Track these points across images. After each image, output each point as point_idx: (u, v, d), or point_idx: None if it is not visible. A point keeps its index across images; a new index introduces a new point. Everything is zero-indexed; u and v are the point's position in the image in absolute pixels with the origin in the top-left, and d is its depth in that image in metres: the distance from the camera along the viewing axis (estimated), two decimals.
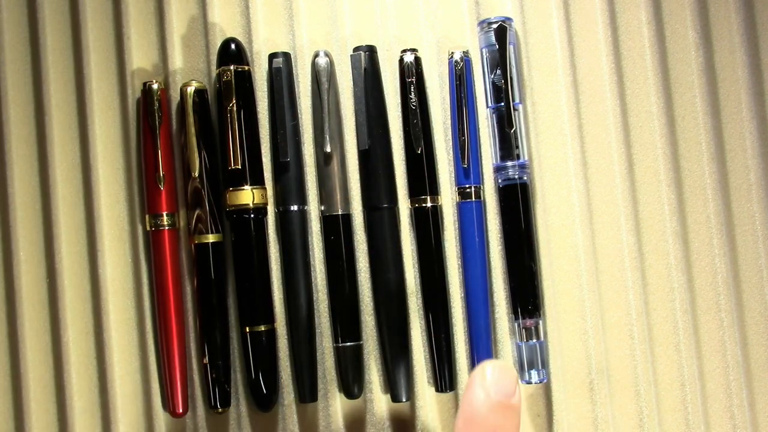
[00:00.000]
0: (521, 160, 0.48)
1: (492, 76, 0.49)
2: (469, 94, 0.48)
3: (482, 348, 0.47)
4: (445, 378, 0.47)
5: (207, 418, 0.49)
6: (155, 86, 0.49)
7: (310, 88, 0.49)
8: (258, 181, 0.49)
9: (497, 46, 0.48)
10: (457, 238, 0.49)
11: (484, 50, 0.49)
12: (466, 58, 0.48)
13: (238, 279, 0.48)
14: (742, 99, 0.50)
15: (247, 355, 0.48)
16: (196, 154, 0.48)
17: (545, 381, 0.48)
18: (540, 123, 0.49)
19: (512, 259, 0.48)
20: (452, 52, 0.49)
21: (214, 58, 0.49)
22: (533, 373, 0.47)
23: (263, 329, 0.48)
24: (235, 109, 0.48)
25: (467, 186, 0.48)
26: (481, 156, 0.49)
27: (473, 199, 0.48)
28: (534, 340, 0.48)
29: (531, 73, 0.50)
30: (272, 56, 0.49)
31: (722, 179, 0.50)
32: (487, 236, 0.48)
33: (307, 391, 0.48)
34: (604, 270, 0.49)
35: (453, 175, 0.49)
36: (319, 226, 0.49)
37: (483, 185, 0.48)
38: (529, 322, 0.48)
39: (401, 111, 0.49)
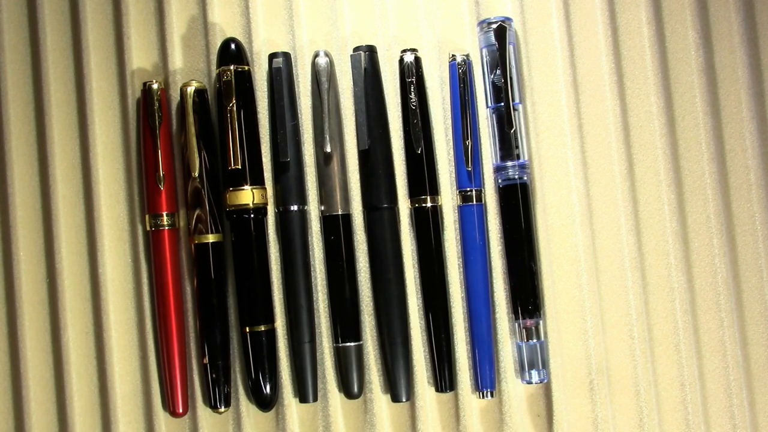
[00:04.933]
0: (521, 160, 0.48)
1: (492, 76, 0.49)
2: (471, 98, 0.48)
3: (483, 348, 0.47)
4: (445, 378, 0.47)
5: (207, 418, 0.49)
6: (155, 86, 0.49)
7: (310, 88, 0.49)
8: (258, 181, 0.48)
9: (497, 46, 0.48)
10: (458, 238, 0.49)
11: (483, 50, 0.49)
12: (468, 62, 0.48)
13: (238, 279, 0.48)
14: (742, 99, 0.50)
15: (247, 355, 0.48)
16: (196, 154, 0.48)
17: (545, 381, 0.48)
18: (540, 123, 0.49)
19: (512, 259, 0.48)
20: (454, 55, 0.48)
21: (214, 58, 0.49)
22: (533, 373, 0.47)
23: (263, 329, 0.48)
24: (235, 109, 0.48)
25: (468, 189, 0.48)
26: (481, 157, 0.49)
27: (474, 202, 0.48)
28: (534, 340, 0.48)
29: (531, 73, 0.50)
30: (272, 56, 0.49)
31: (722, 179, 0.50)
32: (487, 237, 0.48)
33: (307, 391, 0.48)
34: (604, 270, 0.49)
35: (453, 175, 0.49)
36: (319, 226, 0.49)
37: (484, 188, 0.48)
38: (529, 322, 0.48)
39: (401, 111, 0.49)
